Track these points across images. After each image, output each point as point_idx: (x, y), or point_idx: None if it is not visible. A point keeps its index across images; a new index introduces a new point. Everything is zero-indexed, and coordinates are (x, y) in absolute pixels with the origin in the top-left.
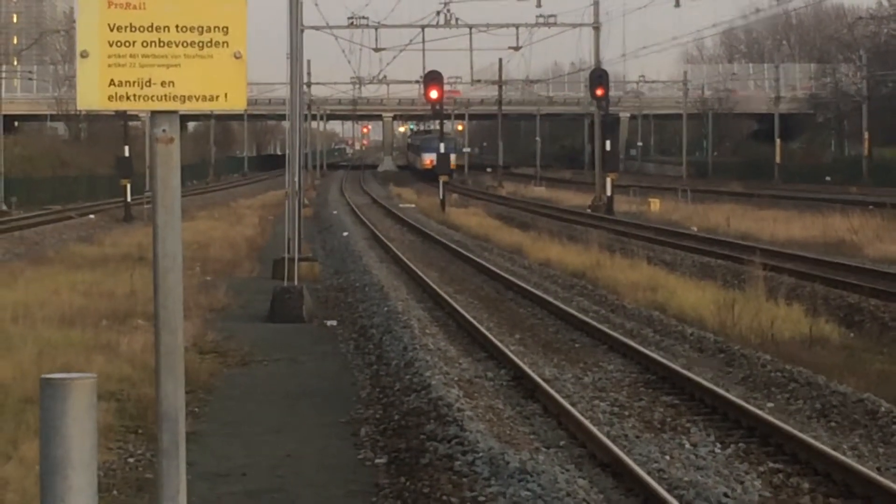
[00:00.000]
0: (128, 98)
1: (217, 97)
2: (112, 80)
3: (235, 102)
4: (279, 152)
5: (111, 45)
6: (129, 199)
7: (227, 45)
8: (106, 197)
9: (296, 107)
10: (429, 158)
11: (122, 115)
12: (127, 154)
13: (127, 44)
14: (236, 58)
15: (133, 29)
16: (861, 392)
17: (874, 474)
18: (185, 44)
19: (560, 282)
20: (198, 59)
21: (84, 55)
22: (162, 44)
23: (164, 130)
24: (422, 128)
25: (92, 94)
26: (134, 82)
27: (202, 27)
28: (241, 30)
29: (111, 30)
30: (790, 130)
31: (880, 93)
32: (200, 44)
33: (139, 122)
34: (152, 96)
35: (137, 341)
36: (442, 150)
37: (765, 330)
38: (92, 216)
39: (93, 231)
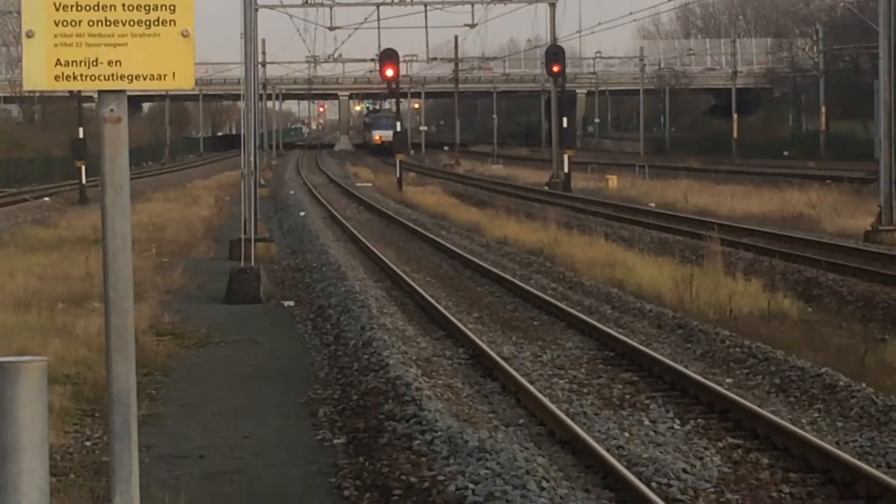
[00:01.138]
0: (75, 78)
1: (165, 76)
2: (59, 60)
3: (183, 81)
4: (235, 132)
5: (57, 25)
6: (84, 181)
7: (175, 24)
8: (61, 179)
9: (251, 86)
10: (378, 135)
11: (77, 97)
12: (81, 136)
13: (73, 23)
14: (184, 36)
15: (79, 8)
16: (819, 367)
17: (833, 448)
18: (131, 22)
19: (518, 259)
20: (145, 37)
21: (30, 35)
22: (108, 23)
23: (111, 110)
24: (377, 107)
25: (38, 75)
26: (81, 62)
27: (149, 6)
28: (189, 8)
29: (57, 9)
30: (747, 105)
31: (837, 67)
32: (147, 22)
33: (93, 104)
34: (99, 76)
35: (94, 324)
36: (398, 128)
37: (723, 305)
38: (47, 199)
39: (48, 213)
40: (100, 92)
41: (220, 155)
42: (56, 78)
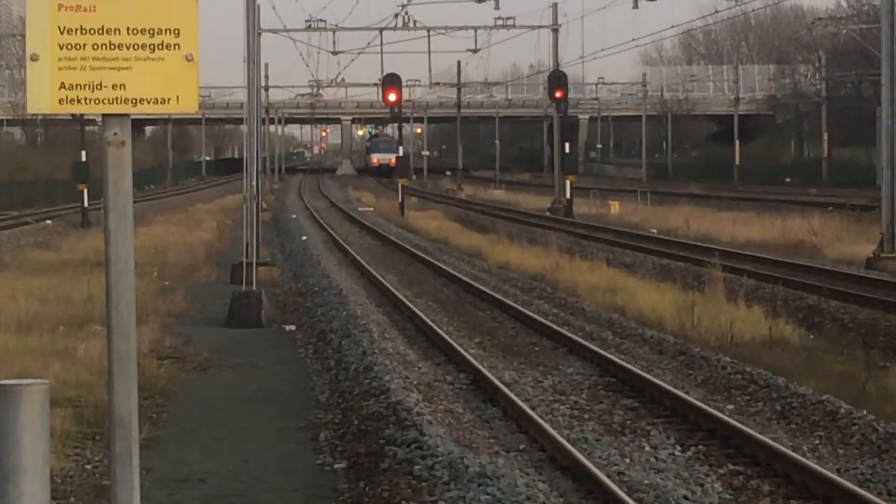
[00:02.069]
0: (79, 101)
1: (169, 100)
2: (63, 84)
3: (187, 105)
4: (237, 156)
5: (61, 48)
6: (86, 204)
7: (179, 48)
8: (63, 202)
9: (253, 110)
10: (376, 158)
11: (79, 120)
12: (84, 159)
13: (77, 46)
14: (188, 60)
15: (84, 31)
16: (821, 393)
17: (834, 475)
18: (136, 46)
19: (519, 285)
20: (149, 61)
21: (34, 58)
22: (113, 46)
23: (115, 134)
24: (379, 131)
25: (42, 98)
26: (85, 85)
27: (153, 29)
28: (193, 32)
29: (61, 32)
30: (749, 132)
31: (839, 94)
32: (152, 46)
33: (96, 127)
34: (103, 99)
35: (95, 347)
36: (400, 152)
37: (724, 332)
38: (49, 221)
39: (50, 236)
40: (104, 115)
41: (222, 179)
42: (60, 101)
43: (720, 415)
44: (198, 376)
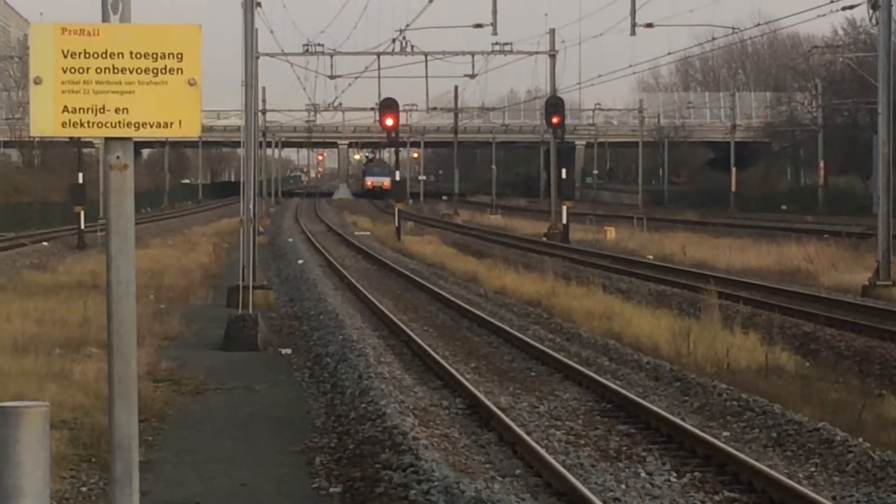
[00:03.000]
0: (81, 125)
1: (171, 124)
2: (66, 107)
3: (190, 129)
4: (234, 179)
5: (65, 72)
6: (82, 226)
7: (182, 72)
8: (59, 224)
9: (250, 134)
10: (370, 181)
11: (77, 142)
12: (81, 181)
13: (80, 70)
14: (190, 84)
15: (87, 55)
16: (817, 421)
17: (830, 503)
18: (139, 70)
19: (515, 310)
20: (152, 85)
21: (37, 81)
22: (116, 70)
23: (118, 157)
24: (375, 155)
25: (45, 121)
26: (88, 109)
27: (156, 54)
28: (196, 57)
29: (65, 56)
30: (746, 159)
31: (835, 122)
32: (155, 70)
33: (93, 149)
34: (106, 123)
35: (91, 369)
36: (397, 177)
37: (720, 358)
38: (45, 243)
39: (46, 258)
40: (106, 139)
41: (218, 202)
42: (63, 125)
43: (716, 441)
44: (193, 399)
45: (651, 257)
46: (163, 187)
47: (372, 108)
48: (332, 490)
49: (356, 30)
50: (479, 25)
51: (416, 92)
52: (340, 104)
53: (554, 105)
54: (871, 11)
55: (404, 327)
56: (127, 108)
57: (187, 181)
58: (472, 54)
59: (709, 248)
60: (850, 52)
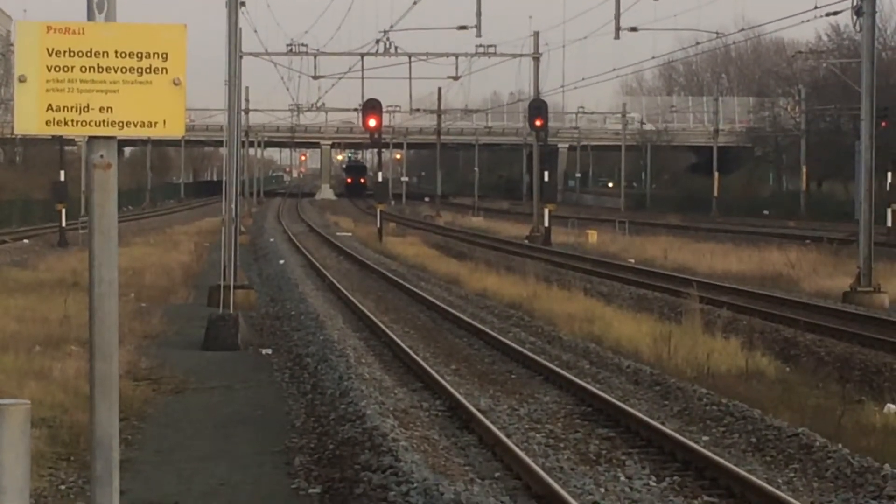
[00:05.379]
0: (66, 123)
1: (155, 123)
2: (50, 105)
3: (174, 129)
4: (216, 178)
5: (50, 70)
6: (64, 223)
7: (167, 72)
8: (41, 222)
9: (233, 133)
10: (349, 178)
11: (59, 140)
12: (63, 179)
13: (65, 69)
14: (175, 84)
15: (72, 54)
16: (796, 426)
17: None
18: (123, 70)
19: (496, 312)
20: (136, 85)
21: (22, 80)
22: (101, 69)
23: (101, 156)
24: (358, 156)
25: (30, 119)
26: (72, 107)
27: (141, 53)
28: (181, 57)
29: (50, 55)
30: (728, 164)
31: (818, 127)
32: (139, 70)
33: (76, 147)
34: (90, 122)
35: (71, 367)
36: (380, 178)
37: (701, 363)
38: (26, 241)
39: (27, 256)
40: (90, 138)
41: (200, 201)
42: (47, 123)
43: (696, 446)
44: (173, 398)
45: (633, 261)
46: (145, 186)
47: (355, 109)
48: (311, 491)
49: (340, 30)
50: (463, 27)
51: (400, 93)
52: (324, 104)
53: (537, 108)
54: (854, 18)
55: (385, 328)
56: (111, 108)
57: (171, 181)
58: (456, 56)
59: (690, 252)
60: (833, 58)
